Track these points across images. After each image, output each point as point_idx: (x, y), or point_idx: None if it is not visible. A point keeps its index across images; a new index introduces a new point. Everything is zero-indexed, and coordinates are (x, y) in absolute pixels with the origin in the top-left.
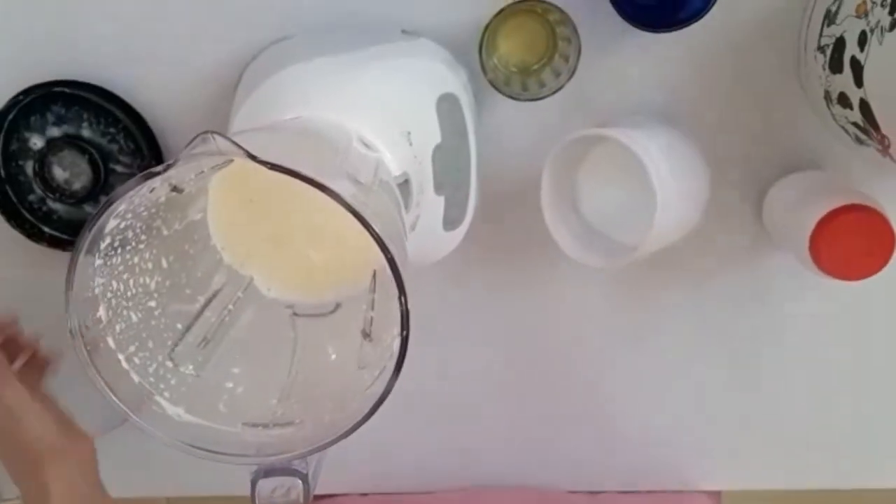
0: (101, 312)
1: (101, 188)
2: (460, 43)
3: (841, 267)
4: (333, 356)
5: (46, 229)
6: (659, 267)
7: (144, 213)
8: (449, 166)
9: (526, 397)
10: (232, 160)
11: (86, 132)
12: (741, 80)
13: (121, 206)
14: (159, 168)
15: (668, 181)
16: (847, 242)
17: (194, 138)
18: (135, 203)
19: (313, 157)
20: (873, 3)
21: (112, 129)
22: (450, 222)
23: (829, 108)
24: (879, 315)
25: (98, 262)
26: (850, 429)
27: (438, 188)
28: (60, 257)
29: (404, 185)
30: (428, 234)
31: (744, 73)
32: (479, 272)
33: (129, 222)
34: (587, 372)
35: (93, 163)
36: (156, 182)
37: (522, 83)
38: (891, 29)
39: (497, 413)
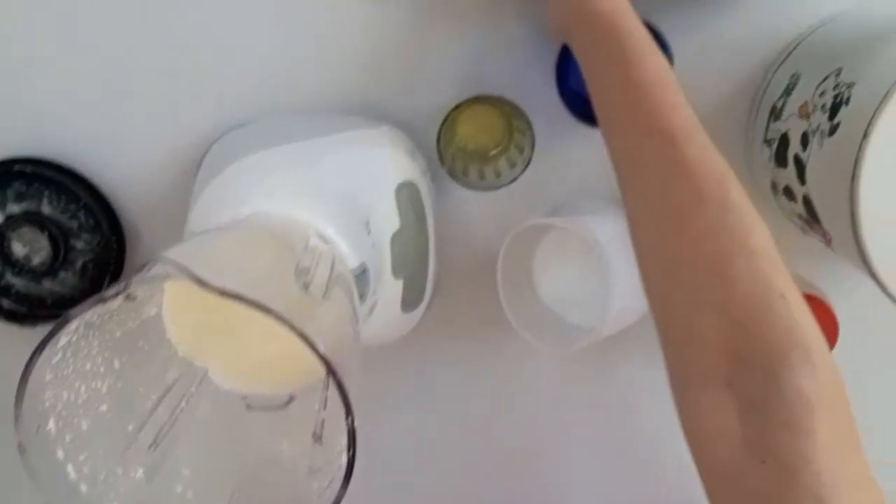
0: (51, 425)
1: (61, 264)
2: (420, 130)
3: None
4: (285, 456)
5: (4, 303)
6: (617, 341)
7: (98, 322)
8: (407, 251)
9: (486, 472)
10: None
11: (46, 209)
12: None
13: (73, 325)
14: (111, 292)
15: (621, 267)
16: None
17: (146, 263)
18: (87, 316)
19: (267, 265)
20: (815, 106)
21: (72, 206)
22: (408, 304)
23: (775, 198)
24: None
25: (49, 377)
26: None
27: (397, 272)
28: (16, 332)
29: (362, 275)
30: (386, 317)
31: None
32: (437, 350)
33: (81, 332)
34: (547, 444)
35: (52, 239)
36: (109, 304)
37: (480, 170)
38: (830, 134)
39: (456, 489)
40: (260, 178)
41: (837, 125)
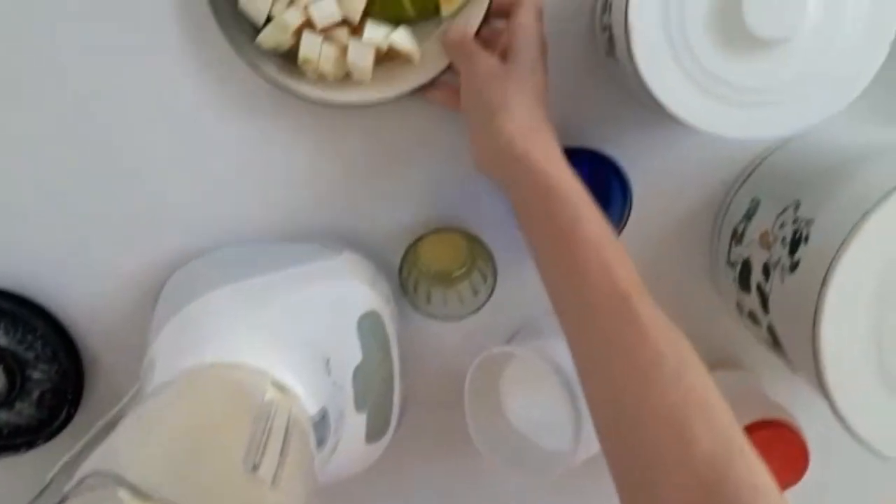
0: None
1: (17, 394)
2: (382, 254)
3: None
4: None
5: None
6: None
7: None
8: (371, 383)
9: None
10: None
11: (1, 340)
12: (658, 287)
13: None
14: None
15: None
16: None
17: (84, 478)
18: None
19: (214, 449)
20: (775, 237)
21: (29, 336)
22: (373, 435)
23: (741, 318)
24: None
25: None
26: None
27: (360, 406)
28: None
29: (321, 420)
30: (350, 451)
31: (660, 281)
32: (408, 478)
33: None
34: None
35: (8, 370)
36: None
37: (443, 296)
38: (791, 271)
39: None
40: (214, 322)
41: (798, 262)
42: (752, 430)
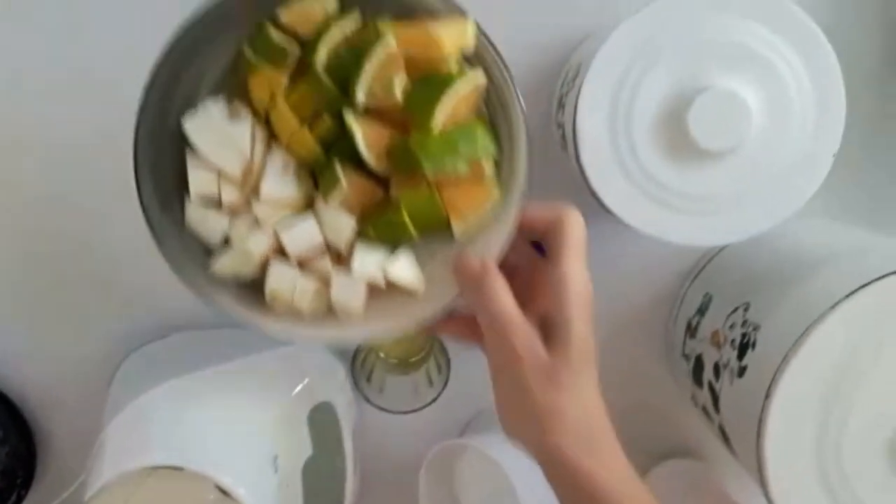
0: None
1: None
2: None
3: None
4: None
5: None
6: None
7: None
8: (321, 477)
9: None
10: None
11: None
12: (615, 374)
13: None
14: None
15: (533, 484)
16: None
17: None
18: None
19: None
20: (725, 338)
21: None
22: None
23: (695, 408)
24: None
25: None
26: None
27: (310, 502)
28: None
29: None
30: None
31: (617, 369)
32: None
33: None
34: None
35: None
36: None
37: (398, 385)
38: (739, 375)
39: None
40: (160, 421)
41: (745, 368)
42: None
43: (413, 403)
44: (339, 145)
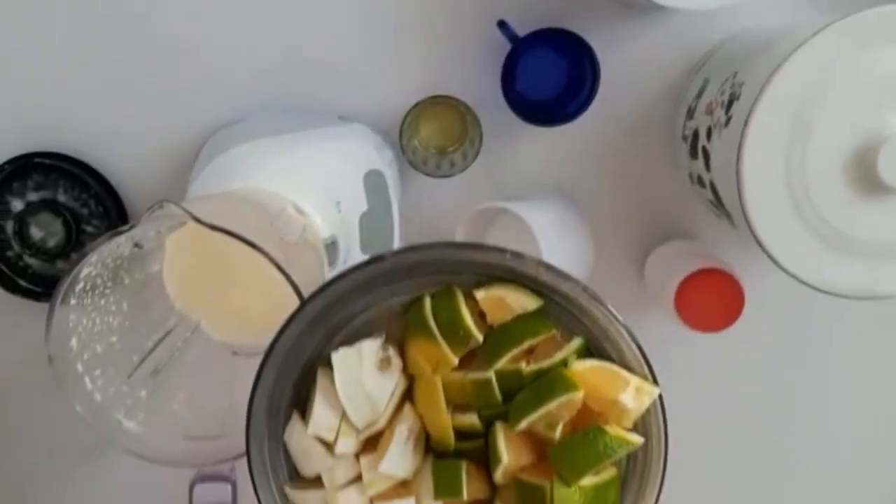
0: (73, 342)
1: (73, 247)
2: (388, 127)
3: (700, 320)
4: None
5: (21, 282)
6: None
7: (112, 264)
8: (374, 230)
9: None
10: (184, 223)
11: (61, 197)
12: (624, 163)
13: (93, 257)
14: (125, 227)
15: (556, 246)
16: (704, 300)
17: (153, 205)
18: (104, 255)
19: (249, 221)
20: (717, 103)
21: (84, 195)
22: None
23: (692, 187)
24: (741, 362)
25: (73, 301)
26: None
27: (365, 248)
28: (33, 307)
29: (332, 245)
30: None
31: (625, 156)
32: None
33: (98, 271)
34: None
35: (66, 224)
36: (121, 239)
37: (437, 162)
38: (726, 125)
39: None
40: (247, 163)
41: (731, 118)
42: (696, 275)
43: (450, 171)
44: (470, 448)
